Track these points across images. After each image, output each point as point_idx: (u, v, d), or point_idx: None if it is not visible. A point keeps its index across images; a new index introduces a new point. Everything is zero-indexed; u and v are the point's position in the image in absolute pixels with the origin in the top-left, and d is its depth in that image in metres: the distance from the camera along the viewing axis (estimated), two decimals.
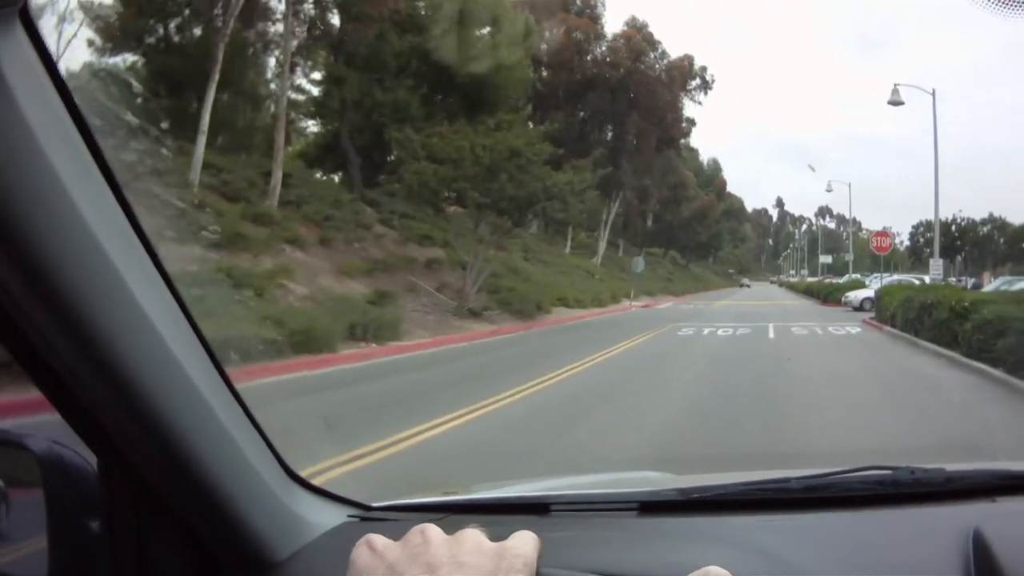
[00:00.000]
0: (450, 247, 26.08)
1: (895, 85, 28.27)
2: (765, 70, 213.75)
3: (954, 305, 15.04)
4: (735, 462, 5.69)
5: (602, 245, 54.52)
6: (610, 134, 51.13)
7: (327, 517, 1.34)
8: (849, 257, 47.56)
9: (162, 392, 0.96)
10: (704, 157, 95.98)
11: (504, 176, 23.05)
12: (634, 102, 51.68)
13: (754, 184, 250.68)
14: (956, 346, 14.26)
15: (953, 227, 73.26)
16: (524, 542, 0.72)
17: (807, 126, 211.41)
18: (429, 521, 0.75)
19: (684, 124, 59.28)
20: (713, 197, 77.42)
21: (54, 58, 0.79)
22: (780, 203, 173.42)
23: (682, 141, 61.55)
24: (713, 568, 0.72)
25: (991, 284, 37.72)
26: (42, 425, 1.05)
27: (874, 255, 47.87)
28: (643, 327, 23.08)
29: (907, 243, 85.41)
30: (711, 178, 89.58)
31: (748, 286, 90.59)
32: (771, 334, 20.92)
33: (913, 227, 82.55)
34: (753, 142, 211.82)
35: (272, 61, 31.75)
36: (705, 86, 60.48)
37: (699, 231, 74.15)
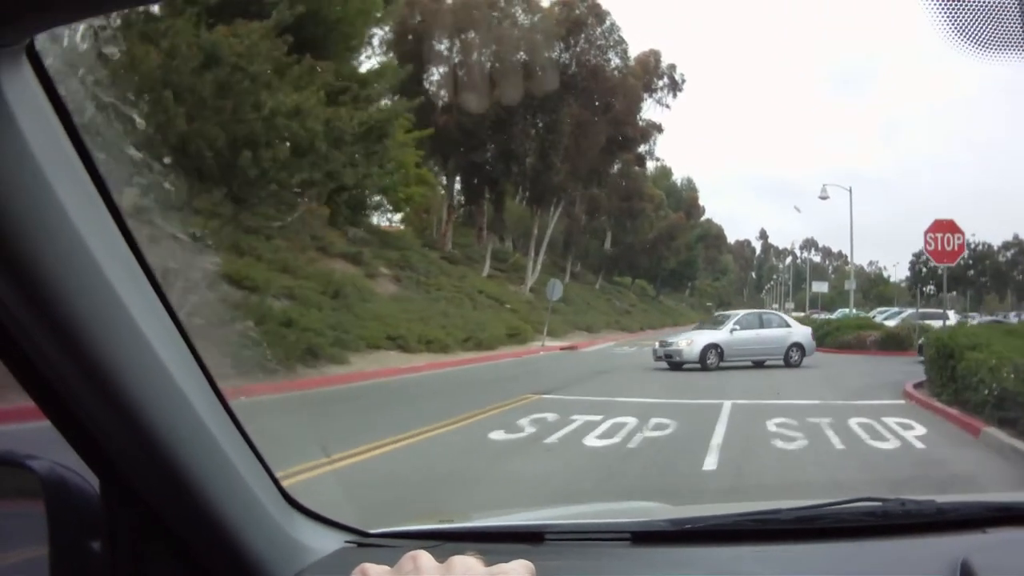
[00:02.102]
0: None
1: (824, 185, 36.07)
2: (749, 104, 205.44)
3: None
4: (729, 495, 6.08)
5: (533, 267, 42.80)
6: (540, 124, 39.34)
7: (325, 542, 1.34)
8: (850, 285, 36.41)
9: (164, 417, 0.98)
10: (678, 178, 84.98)
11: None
12: (572, 85, 40.38)
13: (737, 218, 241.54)
14: None
15: (965, 254, 62.94)
16: (516, 566, 0.70)
17: (790, 162, 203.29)
18: (425, 548, 0.74)
19: (643, 124, 48.29)
20: (682, 215, 65.74)
21: (60, 94, 0.82)
22: (764, 235, 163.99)
23: (643, 148, 50.38)
24: None
25: None
26: (46, 430, 1.02)
27: (869, 286, 37.25)
28: (477, 399, 12.69)
29: (907, 275, 74.93)
30: (685, 200, 78.10)
31: None
32: (717, 439, 9.31)
33: (914, 255, 71.58)
34: (736, 176, 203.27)
35: None
36: (674, 86, 50.08)
37: (666, 255, 62.45)
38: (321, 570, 1.24)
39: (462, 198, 43.85)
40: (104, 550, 1.06)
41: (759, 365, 20.91)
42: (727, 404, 12.30)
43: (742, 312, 23.64)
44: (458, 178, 42.24)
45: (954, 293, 70.74)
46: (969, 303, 70.27)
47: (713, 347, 20.58)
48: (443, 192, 44.46)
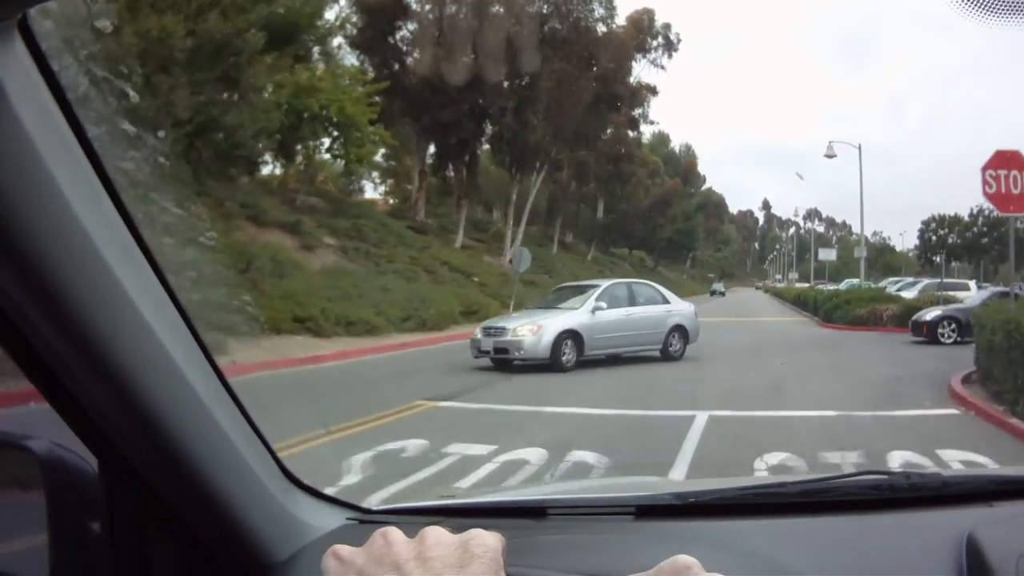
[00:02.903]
0: None
1: (829, 142, 31.87)
2: (751, 73, 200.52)
3: None
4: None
5: (513, 236, 39.02)
6: (516, 79, 35.27)
7: (326, 520, 1.32)
8: (860, 252, 32.14)
9: (161, 395, 0.96)
10: (677, 145, 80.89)
11: None
12: (552, 38, 36.54)
13: (739, 188, 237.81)
14: None
15: (980, 220, 58.64)
16: (487, 533, 0.70)
17: (793, 130, 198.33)
18: (426, 524, 0.75)
19: (636, 85, 44.39)
20: (678, 181, 61.69)
21: (54, 69, 0.81)
22: (767, 205, 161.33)
23: (638, 112, 46.36)
24: (681, 557, 0.72)
25: None
26: (42, 412, 1.01)
27: (875, 256, 33.49)
28: (343, 408, 9.19)
29: (915, 243, 70.65)
30: (682, 165, 73.93)
31: (722, 294, 70.18)
32: None
33: (923, 223, 67.59)
34: (738, 145, 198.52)
35: None
36: (669, 47, 46.20)
37: (661, 223, 58.55)
38: (322, 548, 1.05)
39: (437, 163, 39.86)
40: (103, 529, 1.06)
41: (637, 359, 15.12)
42: (699, 419, 8.52)
43: (606, 283, 17.10)
44: (433, 143, 38.30)
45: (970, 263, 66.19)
46: (983, 273, 66.11)
47: (570, 335, 14.41)
48: (414, 156, 40.75)
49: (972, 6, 0.88)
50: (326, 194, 32.33)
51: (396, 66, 36.24)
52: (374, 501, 1.59)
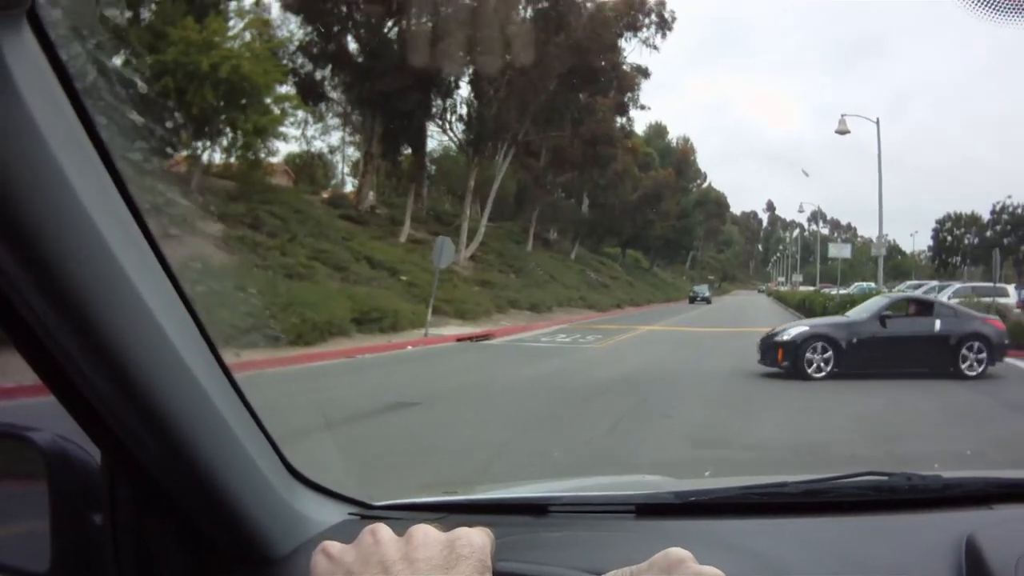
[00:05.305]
0: None
1: (842, 116, 29.11)
2: (756, 75, 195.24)
3: None
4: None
5: (472, 227, 33.73)
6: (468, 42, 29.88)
7: (328, 515, 1.32)
8: (878, 250, 26.86)
9: (165, 387, 0.96)
10: (674, 137, 75.44)
11: None
12: None
13: (743, 188, 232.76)
14: None
15: (1004, 217, 54.68)
16: (475, 532, 0.72)
17: (799, 131, 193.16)
18: (429, 520, 0.77)
19: (623, 64, 39.36)
20: (671, 171, 56.12)
21: (62, 58, 0.80)
22: (771, 207, 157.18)
23: (628, 96, 40.99)
24: (674, 549, 0.73)
25: None
26: (46, 405, 1.00)
27: (885, 259, 28.78)
28: None
29: (928, 245, 68.18)
30: (675, 154, 68.27)
31: (706, 300, 54.97)
32: None
33: (938, 222, 64.74)
34: (742, 145, 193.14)
35: None
36: (663, 25, 40.99)
37: (652, 218, 53.10)
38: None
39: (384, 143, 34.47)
40: (105, 522, 1.07)
41: None
42: None
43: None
44: (379, 119, 32.94)
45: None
46: (1002, 276, 61.50)
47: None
48: (357, 137, 35.71)
49: (979, 4, 0.87)
50: (243, 176, 27.03)
51: (337, 28, 31.05)
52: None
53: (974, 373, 13.25)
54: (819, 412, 9.65)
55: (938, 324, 13.63)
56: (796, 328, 13.94)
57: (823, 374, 13.01)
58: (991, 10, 0.89)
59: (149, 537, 1.10)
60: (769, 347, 13.65)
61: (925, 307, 14.45)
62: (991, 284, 25.79)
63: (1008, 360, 13.89)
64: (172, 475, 1.05)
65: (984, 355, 13.33)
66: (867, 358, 13.26)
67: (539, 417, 9.00)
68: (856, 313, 14.95)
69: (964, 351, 13.36)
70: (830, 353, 13.14)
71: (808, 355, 13.10)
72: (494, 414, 9.21)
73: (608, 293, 43.48)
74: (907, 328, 13.71)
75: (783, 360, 13.25)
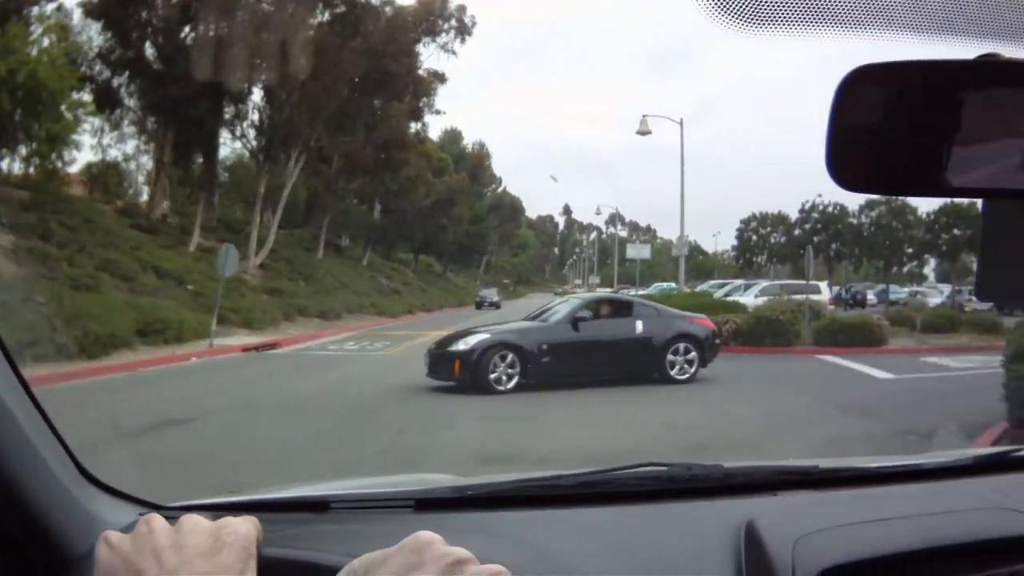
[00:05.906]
0: None
1: (643, 116, 29.54)
2: (560, 82, 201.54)
3: None
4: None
5: (264, 238, 33.80)
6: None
7: (121, 515, 1.34)
8: (680, 250, 27.42)
9: None
10: (470, 142, 77.38)
11: None
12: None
13: (539, 193, 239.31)
14: None
15: (815, 216, 55.58)
16: (241, 521, 0.78)
17: (596, 136, 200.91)
18: (214, 519, 0.80)
19: (420, 68, 40.35)
20: (464, 176, 57.94)
21: None
22: (567, 210, 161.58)
23: (423, 101, 42.08)
24: (422, 533, 0.76)
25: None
26: None
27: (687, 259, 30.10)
28: None
29: (732, 245, 67.06)
30: (469, 159, 70.27)
31: (495, 305, 51.08)
32: None
33: (742, 222, 64.13)
34: (539, 151, 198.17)
35: None
36: (462, 30, 42.44)
37: (445, 224, 54.63)
38: None
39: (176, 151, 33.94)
40: None
41: None
42: None
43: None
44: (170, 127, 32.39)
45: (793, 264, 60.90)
46: (812, 272, 64.04)
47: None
48: (149, 143, 34.91)
49: (727, 14, 0.86)
50: (38, 186, 25.93)
51: (135, 35, 30.31)
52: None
53: (684, 377, 12.85)
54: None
55: (639, 325, 13.05)
56: (475, 336, 12.65)
57: (511, 386, 12.04)
58: (741, 21, 0.85)
59: None
60: (440, 358, 12.40)
61: (624, 308, 13.78)
62: (803, 281, 25.72)
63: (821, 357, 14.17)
64: None
65: (694, 356, 12.92)
66: (558, 366, 12.34)
67: (319, 430, 9.14)
68: (549, 316, 13.77)
69: (670, 355, 12.93)
70: (516, 362, 12.13)
71: (491, 366, 12.05)
72: (273, 429, 9.22)
73: (400, 299, 44.45)
74: (604, 331, 12.94)
75: (460, 373, 12.00)
